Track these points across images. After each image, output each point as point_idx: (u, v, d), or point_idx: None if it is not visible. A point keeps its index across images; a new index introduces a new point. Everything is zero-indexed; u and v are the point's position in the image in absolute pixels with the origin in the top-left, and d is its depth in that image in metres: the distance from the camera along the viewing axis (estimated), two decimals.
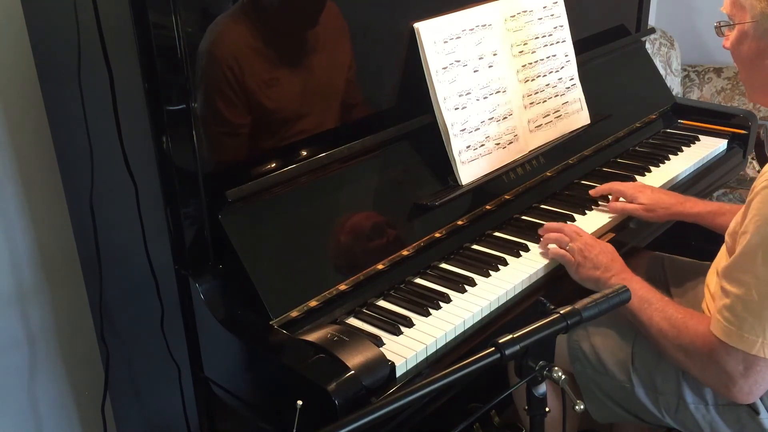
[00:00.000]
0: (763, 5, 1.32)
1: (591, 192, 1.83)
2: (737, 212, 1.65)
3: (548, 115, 1.92)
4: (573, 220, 1.76)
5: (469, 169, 1.69)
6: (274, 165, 1.45)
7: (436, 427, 1.41)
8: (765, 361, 1.25)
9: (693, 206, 1.73)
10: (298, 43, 1.47)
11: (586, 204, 1.82)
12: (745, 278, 1.25)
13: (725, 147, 2.22)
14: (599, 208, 1.82)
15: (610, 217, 1.77)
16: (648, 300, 1.41)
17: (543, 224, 1.69)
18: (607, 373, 1.53)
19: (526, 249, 1.62)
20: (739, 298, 1.25)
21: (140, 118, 1.29)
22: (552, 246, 1.59)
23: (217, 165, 1.37)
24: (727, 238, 1.40)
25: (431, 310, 1.41)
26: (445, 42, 1.65)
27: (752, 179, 1.33)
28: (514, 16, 1.83)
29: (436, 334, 1.35)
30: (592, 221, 1.76)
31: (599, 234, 1.73)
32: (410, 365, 1.30)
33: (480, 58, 1.73)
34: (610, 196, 1.83)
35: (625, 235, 1.76)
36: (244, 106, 1.39)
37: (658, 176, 2.00)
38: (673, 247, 1.92)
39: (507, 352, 1.00)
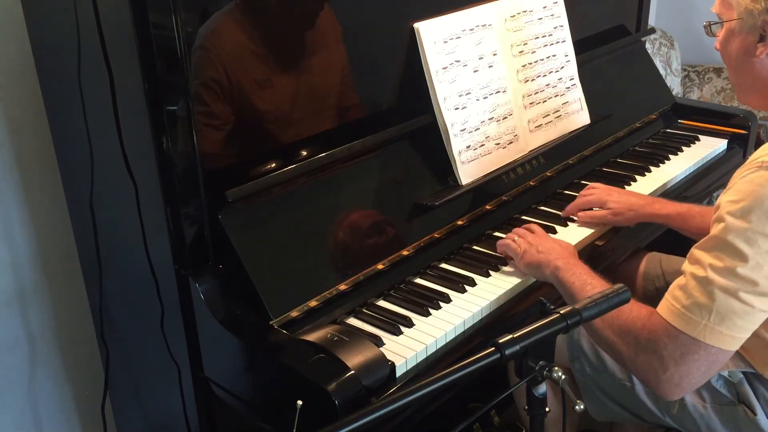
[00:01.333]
0: (747, 2, 1.31)
1: (562, 213, 1.78)
2: (707, 214, 1.62)
3: (548, 115, 1.92)
4: (573, 220, 1.76)
5: (469, 169, 1.69)
6: (274, 165, 1.45)
7: (436, 427, 1.41)
8: (703, 347, 1.19)
9: (662, 207, 1.70)
10: (298, 43, 1.47)
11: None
12: (703, 257, 1.20)
13: (725, 147, 2.22)
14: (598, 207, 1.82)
15: None
16: (591, 283, 1.37)
17: (544, 225, 1.69)
18: (606, 371, 1.53)
19: None
20: (692, 276, 1.21)
21: (140, 118, 1.29)
22: (499, 242, 1.58)
23: (217, 165, 1.37)
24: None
25: (431, 310, 1.42)
26: (445, 42, 1.65)
27: None
28: (514, 16, 1.83)
29: (436, 334, 1.35)
30: (591, 223, 1.76)
31: (599, 234, 1.72)
32: (410, 365, 1.30)
33: (480, 58, 1.73)
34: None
35: (624, 235, 1.76)
36: (244, 105, 1.39)
37: (658, 176, 2.00)
38: (672, 247, 1.92)
39: (507, 352, 1.00)
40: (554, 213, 1.79)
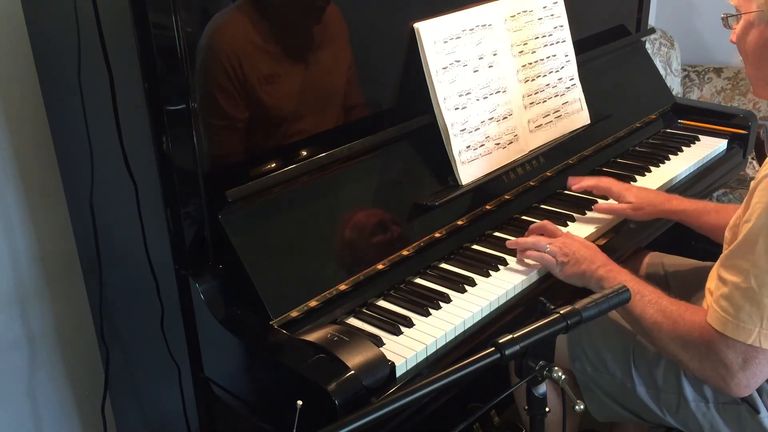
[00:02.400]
0: None
1: (574, 187, 1.82)
2: (722, 211, 1.65)
3: (548, 115, 1.92)
4: (573, 220, 1.76)
5: (469, 169, 1.69)
6: (274, 165, 1.45)
7: (436, 427, 1.41)
8: (763, 352, 1.23)
9: (678, 204, 1.73)
10: (298, 42, 1.47)
11: (586, 204, 1.82)
12: (744, 266, 1.22)
13: (725, 147, 2.22)
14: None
15: (609, 217, 1.77)
16: (640, 292, 1.37)
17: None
18: (607, 371, 1.53)
19: None
20: (736, 287, 1.23)
21: (140, 118, 1.29)
22: (530, 253, 1.55)
23: (217, 165, 1.37)
24: (726, 233, 1.40)
25: (431, 310, 1.41)
26: (445, 42, 1.65)
27: (752, 179, 1.33)
28: (514, 16, 1.83)
29: (436, 334, 1.35)
30: (592, 222, 1.76)
31: (600, 233, 1.73)
32: (410, 365, 1.30)
33: (480, 58, 1.73)
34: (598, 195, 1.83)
35: (626, 235, 1.76)
36: (244, 104, 1.39)
37: (658, 176, 2.00)
38: (673, 247, 1.92)
39: (507, 352, 1.00)
40: (555, 212, 1.79)
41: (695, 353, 1.31)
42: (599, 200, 1.83)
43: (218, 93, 1.34)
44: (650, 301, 1.36)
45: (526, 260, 1.56)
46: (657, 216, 1.75)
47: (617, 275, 1.42)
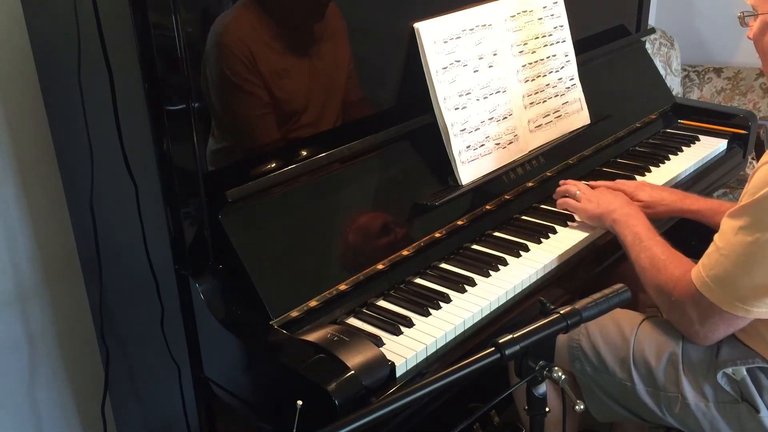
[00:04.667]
0: None
1: (591, 184, 1.85)
2: None
3: (548, 115, 1.92)
4: (573, 220, 1.75)
5: (469, 169, 1.69)
6: (273, 165, 1.45)
7: (436, 427, 1.41)
8: (719, 312, 1.32)
9: (693, 203, 1.75)
10: (299, 42, 1.47)
11: None
12: (729, 233, 1.30)
13: (725, 147, 2.22)
14: None
15: None
16: (639, 236, 1.51)
17: (544, 224, 1.70)
18: (607, 371, 1.53)
19: (526, 249, 1.62)
20: (717, 249, 1.32)
21: (140, 118, 1.29)
22: (560, 199, 1.74)
23: (217, 165, 1.37)
24: None
25: (431, 310, 1.42)
26: (445, 42, 1.65)
27: None
28: (514, 16, 1.83)
29: (436, 334, 1.35)
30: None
31: (600, 233, 1.72)
32: (410, 365, 1.30)
33: (480, 58, 1.73)
34: None
35: None
36: (244, 103, 1.39)
37: (658, 176, 2.00)
38: (673, 247, 1.92)
39: (507, 352, 1.00)
40: (555, 212, 1.79)
41: (666, 299, 1.42)
42: None
43: (221, 91, 1.35)
44: (645, 247, 1.49)
45: (559, 203, 1.76)
46: (670, 215, 1.78)
47: (629, 219, 1.57)
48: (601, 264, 1.69)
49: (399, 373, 1.27)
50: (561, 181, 1.81)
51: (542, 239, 1.66)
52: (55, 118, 1.61)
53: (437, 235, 1.61)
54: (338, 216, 1.49)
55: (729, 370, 1.41)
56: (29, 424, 1.88)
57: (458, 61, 1.68)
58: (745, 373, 1.40)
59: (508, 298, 1.50)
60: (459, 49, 1.68)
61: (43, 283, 1.80)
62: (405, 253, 1.54)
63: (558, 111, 1.95)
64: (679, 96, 3.31)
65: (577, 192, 1.72)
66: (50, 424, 1.92)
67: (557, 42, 1.95)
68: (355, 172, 1.55)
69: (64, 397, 1.93)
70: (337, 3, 1.50)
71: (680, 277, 1.39)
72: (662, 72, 3.12)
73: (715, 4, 3.38)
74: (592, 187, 1.80)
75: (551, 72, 1.93)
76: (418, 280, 1.54)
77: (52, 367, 1.88)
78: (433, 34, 1.63)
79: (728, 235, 1.31)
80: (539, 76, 1.89)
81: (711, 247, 1.35)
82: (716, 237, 1.34)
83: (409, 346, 1.32)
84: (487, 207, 1.73)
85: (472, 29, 1.71)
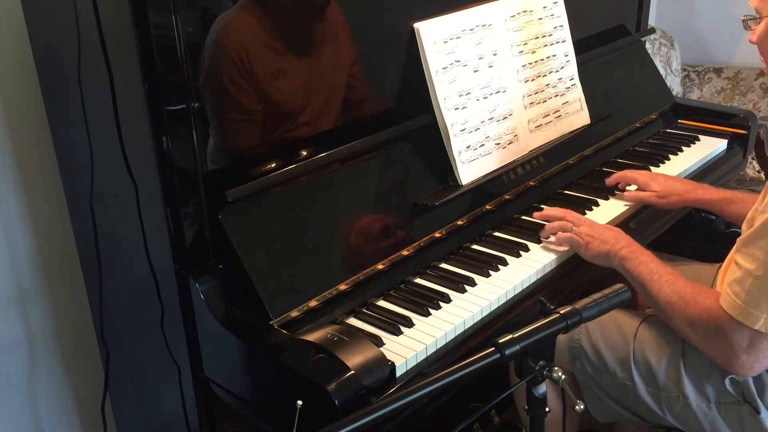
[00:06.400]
0: None
1: (607, 180, 1.87)
2: (750, 201, 1.66)
3: (548, 115, 1.92)
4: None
5: (469, 169, 1.69)
6: (274, 165, 1.45)
7: (436, 427, 1.41)
8: (767, 337, 1.27)
9: (706, 193, 1.76)
10: (298, 42, 1.47)
11: (586, 204, 1.82)
12: (758, 254, 1.26)
13: (725, 147, 2.22)
14: (599, 208, 1.82)
15: (608, 219, 1.77)
16: (658, 272, 1.44)
17: (544, 224, 1.70)
18: (607, 371, 1.53)
19: (526, 249, 1.62)
20: (748, 273, 1.27)
21: (140, 118, 1.29)
22: (559, 234, 1.62)
23: (217, 165, 1.37)
24: (744, 226, 1.41)
25: (431, 310, 1.41)
26: (445, 42, 1.65)
27: (752, 179, 1.34)
28: (514, 16, 1.83)
29: (436, 334, 1.35)
30: (636, 201, 1.80)
31: None
32: (410, 365, 1.30)
33: (480, 58, 1.73)
34: (624, 188, 1.86)
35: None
36: (252, 100, 1.39)
37: None
38: (673, 247, 1.92)
39: (507, 352, 1.00)
40: None
41: (703, 333, 1.36)
42: (599, 201, 1.84)
43: (225, 91, 1.35)
44: (667, 282, 1.43)
45: (553, 242, 1.63)
46: (682, 204, 1.79)
47: (639, 255, 1.48)
48: None
49: (399, 373, 1.27)
50: (545, 209, 1.71)
51: (542, 239, 1.67)
52: (55, 118, 1.61)
53: (437, 235, 1.61)
54: (338, 216, 1.49)
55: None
56: (29, 424, 1.88)
57: (458, 61, 1.68)
58: None
59: (508, 298, 1.50)
60: (459, 49, 1.68)
61: (43, 283, 1.80)
62: (405, 253, 1.54)
63: (558, 111, 1.95)
64: (679, 96, 3.31)
65: (575, 229, 1.60)
66: (50, 424, 1.92)
67: (557, 42, 1.95)
68: (355, 172, 1.55)
69: (64, 397, 1.93)
70: (338, 3, 1.50)
71: (712, 307, 1.34)
72: (662, 72, 3.12)
73: (715, 4, 3.38)
74: (613, 183, 1.80)
75: (551, 72, 1.93)
76: (418, 280, 1.54)
77: (52, 367, 1.88)
78: (433, 34, 1.63)
79: (759, 256, 1.26)
80: (539, 76, 1.89)
81: (738, 273, 1.29)
82: (741, 261, 1.29)
83: (409, 346, 1.32)
84: (487, 207, 1.73)
85: (472, 29, 1.71)
